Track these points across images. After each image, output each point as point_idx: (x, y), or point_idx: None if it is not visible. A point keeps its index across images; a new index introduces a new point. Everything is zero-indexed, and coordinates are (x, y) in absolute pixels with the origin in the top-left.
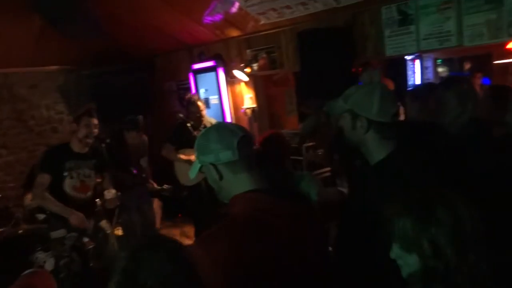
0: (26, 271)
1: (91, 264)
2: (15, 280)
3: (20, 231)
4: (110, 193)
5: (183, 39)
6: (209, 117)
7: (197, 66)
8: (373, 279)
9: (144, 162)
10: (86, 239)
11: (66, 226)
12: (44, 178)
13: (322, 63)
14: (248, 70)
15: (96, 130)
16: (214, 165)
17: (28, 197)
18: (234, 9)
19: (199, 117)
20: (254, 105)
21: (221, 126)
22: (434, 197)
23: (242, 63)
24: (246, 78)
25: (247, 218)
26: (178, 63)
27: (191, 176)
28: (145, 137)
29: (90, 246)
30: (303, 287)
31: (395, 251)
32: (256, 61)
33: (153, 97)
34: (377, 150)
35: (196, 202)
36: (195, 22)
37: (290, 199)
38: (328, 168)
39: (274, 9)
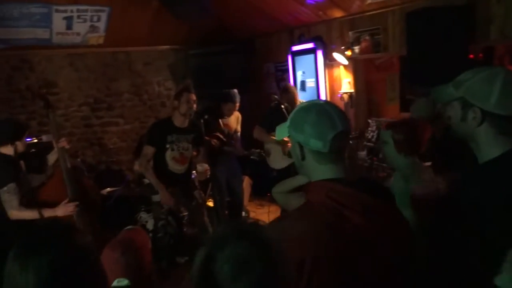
0: (126, 227)
1: (184, 230)
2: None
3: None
4: (202, 166)
5: (285, 20)
6: (303, 101)
7: (296, 48)
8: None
9: (236, 135)
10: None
11: None
12: (149, 150)
13: (434, 47)
14: (348, 53)
15: (195, 106)
16: (301, 146)
17: (137, 163)
18: None
19: (293, 103)
20: (352, 90)
21: (325, 110)
22: None
23: (343, 46)
24: (346, 62)
25: (320, 207)
26: (278, 45)
27: (277, 137)
28: (238, 113)
29: (185, 213)
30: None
31: (504, 280)
32: (358, 43)
33: (251, 78)
34: (490, 146)
35: None
36: (298, 3)
37: (372, 194)
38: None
39: None
